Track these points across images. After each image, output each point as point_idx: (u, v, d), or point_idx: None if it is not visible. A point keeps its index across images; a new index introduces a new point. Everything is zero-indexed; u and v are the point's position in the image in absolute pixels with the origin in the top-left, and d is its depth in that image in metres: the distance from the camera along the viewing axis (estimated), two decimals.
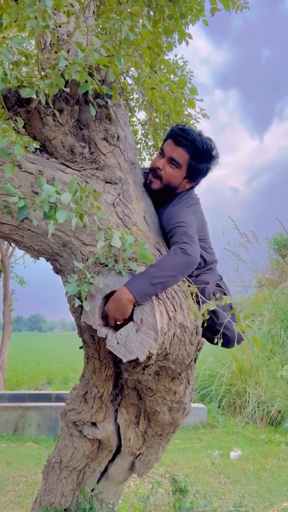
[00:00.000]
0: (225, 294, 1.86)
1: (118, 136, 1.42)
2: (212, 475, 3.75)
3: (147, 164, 4.31)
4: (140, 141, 4.20)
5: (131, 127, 4.12)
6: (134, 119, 4.08)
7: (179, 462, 4.00)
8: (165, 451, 4.50)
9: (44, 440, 4.85)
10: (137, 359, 1.19)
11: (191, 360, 1.65)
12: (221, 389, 5.74)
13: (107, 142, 1.40)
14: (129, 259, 1.31)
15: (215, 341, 1.57)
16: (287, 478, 3.87)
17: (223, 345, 1.64)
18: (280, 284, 7.60)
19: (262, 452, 4.45)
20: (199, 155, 1.56)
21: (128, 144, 1.44)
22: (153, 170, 1.54)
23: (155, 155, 1.67)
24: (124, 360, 1.19)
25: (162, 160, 1.54)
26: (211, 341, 1.70)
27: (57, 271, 1.38)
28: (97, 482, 2.17)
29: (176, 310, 1.41)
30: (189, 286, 1.64)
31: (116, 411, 1.96)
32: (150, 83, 1.30)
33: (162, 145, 1.61)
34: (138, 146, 4.17)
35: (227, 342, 1.64)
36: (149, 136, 4.09)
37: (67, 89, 1.15)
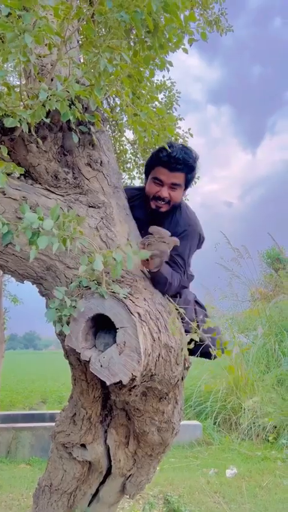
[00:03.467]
0: (202, 308, 1.96)
1: (101, 161, 1.45)
2: (207, 494, 3.71)
3: (137, 182, 4.37)
4: (129, 160, 4.28)
5: (121, 146, 4.21)
6: (123, 138, 4.16)
7: (174, 481, 3.95)
8: (160, 470, 4.46)
9: (37, 462, 4.77)
10: (121, 381, 1.20)
11: (178, 380, 1.66)
12: (216, 405, 5.70)
13: (91, 167, 1.43)
14: (113, 281, 1.33)
15: (197, 354, 1.63)
16: (283, 496, 3.83)
17: (203, 355, 1.72)
18: (274, 298, 7.62)
19: (258, 469, 4.41)
20: (192, 169, 1.75)
21: (111, 169, 1.48)
22: (160, 199, 1.70)
23: (149, 183, 1.76)
24: (108, 383, 1.20)
25: (164, 188, 1.69)
26: (192, 354, 1.75)
27: (43, 294, 1.40)
28: (88, 505, 2.15)
29: (160, 331, 1.43)
30: (176, 308, 1.67)
31: (106, 432, 1.95)
32: (131, 111, 1.34)
33: (149, 170, 1.74)
34: (128, 165, 4.25)
35: (208, 354, 1.67)
36: (138, 155, 4.16)
37: (47, 120, 1.18)
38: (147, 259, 1.46)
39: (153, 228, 1.49)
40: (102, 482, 2.09)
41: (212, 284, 7.75)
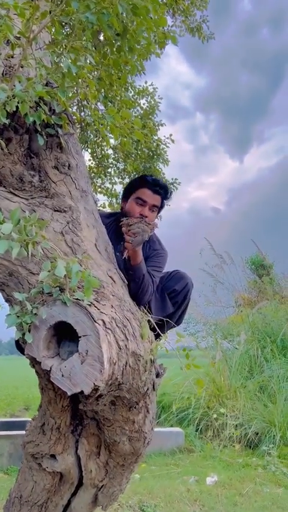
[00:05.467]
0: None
1: (69, 165, 1.42)
2: (187, 503, 3.66)
3: (118, 187, 4.36)
4: (111, 165, 4.26)
5: (102, 151, 4.18)
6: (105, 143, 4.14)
7: (153, 490, 3.89)
8: (141, 479, 4.39)
9: (16, 471, 4.67)
10: (82, 391, 1.16)
11: (148, 389, 1.62)
12: (198, 412, 5.67)
13: (58, 170, 1.40)
14: (78, 287, 1.29)
15: None
16: (263, 503, 3.81)
17: None
18: (257, 304, 7.65)
19: (239, 476, 4.38)
20: (167, 197, 2.03)
21: (79, 172, 1.45)
22: (142, 218, 1.89)
23: (131, 203, 1.99)
24: (68, 393, 1.16)
25: (146, 208, 1.94)
26: None
27: (6, 300, 1.35)
28: None
29: (128, 339, 1.39)
30: (145, 314, 1.64)
31: (77, 442, 1.90)
32: (97, 114, 1.32)
33: (131, 192, 1.98)
34: (110, 170, 4.23)
35: None
36: (120, 161, 4.15)
37: (7, 121, 1.15)
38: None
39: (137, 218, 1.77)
40: (74, 494, 2.03)
41: (196, 290, 7.74)
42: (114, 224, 2.00)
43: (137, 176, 2.22)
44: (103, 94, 1.61)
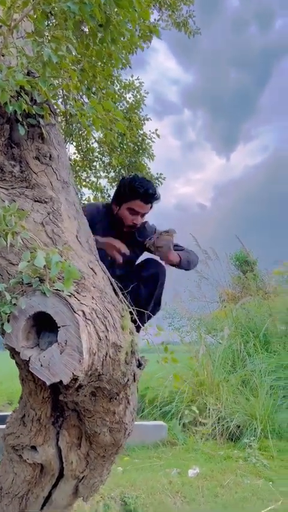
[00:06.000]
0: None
1: (51, 155, 1.42)
2: (168, 495, 3.70)
3: (103, 181, 4.35)
4: (96, 159, 4.25)
5: (87, 145, 4.16)
6: (91, 137, 4.12)
7: (135, 482, 3.93)
8: (123, 472, 4.43)
9: None
10: (61, 381, 1.16)
11: (128, 380, 1.63)
12: (181, 405, 5.73)
13: (39, 161, 1.39)
14: (59, 278, 1.30)
15: None
16: (243, 494, 3.88)
17: None
18: (241, 299, 7.73)
19: (220, 468, 4.45)
20: (156, 200, 2.22)
21: (61, 163, 1.44)
22: (133, 226, 2.24)
23: (125, 212, 2.26)
24: (47, 383, 1.17)
25: (138, 217, 2.19)
26: None
27: None
28: (41, 509, 2.10)
29: (108, 330, 1.40)
30: (128, 307, 1.65)
31: (58, 434, 1.91)
32: (78, 105, 1.32)
33: (124, 200, 2.19)
34: (95, 164, 4.22)
35: None
36: (105, 154, 4.13)
37: None
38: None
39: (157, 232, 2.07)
40: (55, 485, 2.04)
41: (181, 285, 7.79)
42: (108, 214, 2.26)
43: (124, 177, 2.35)
44: (86, 86, 1.60)
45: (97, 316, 1.35)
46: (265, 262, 9.27)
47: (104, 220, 2.27)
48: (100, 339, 1.35)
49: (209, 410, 5.47)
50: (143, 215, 2.23)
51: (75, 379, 1.21)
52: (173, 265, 2.22)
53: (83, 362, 1.17)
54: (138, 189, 2.15)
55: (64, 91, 1.47)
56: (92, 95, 1.61)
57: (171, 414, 5.77)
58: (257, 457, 4.71)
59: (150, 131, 3.77)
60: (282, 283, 8.70)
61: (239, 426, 5.30)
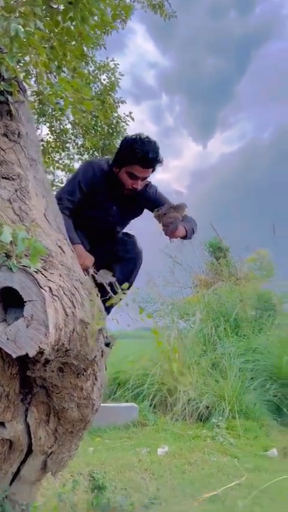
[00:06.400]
0: None
1: (19, 133, 1.42)
2: (138, 471, 3.82)
3: (77, 164, 4.31)
4: (69, 140, 4.21)
5: (61, 126, 4.12)
6: (64, 118, 4.08)
7: (106, 461, 4.02)
8: (94, 451, 4.52)
9: None
10: (27, 354, 1.19)
11: (96, 357, 1.68)
12: (153, 387, 5.85)
13: (7, 138, 1.39)
14: (26, 255, 1.31)
15: None
16: (209, 471, 4.03)
17: None
18: (213, 285, 7.89)
19: (188, 447, 4.60)
20: (159, 165, 2.13)
21: (29, 141, 1.45)
22: (133, 190, 2.17)
23: (124, 175, 2.18)
24: (13, 356, 1.20)
25: (138, 181, 2.12)
26: None
27: None
28: (10, 484, 2.14)
29: (75, 307, 1.43)
30: (96, 282, 1.68)
31: (27, 410, 1.94)
32: (48, 82, 1.32)
33: (123, 163, 2.11)
34: (68, 145, 4.18)
35: None
36: (79, 136, 4.10)
37: None
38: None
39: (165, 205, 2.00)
40: (24, 461, 2.08)
41: (155, 271, 7.88)
42: (110, 175, 2.20)
43: (127, 136, 2.17)
44: (56, 65, 1.60)
45: (64, 293, 1.38)
46: (238, 249, 9.46)
47: (104, 181, 2.22)
48: (67, 315, 1.38)
49: (180, 392, 5.61)
50: (143, 179, 2.16)
51: (41, 353, 1.24)
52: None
53: (49, 336, 1.20)
54: (137, 153, 2.04)
55: (37, 70, 1.47)
56: (62, 73, 1.60)
57: (142, 396, 5.90)
58: (224, 436, 4.89)
59: (124, 113, 3.76)
60: (253, 270, 8.92)
61: (208, 407, 5.47)
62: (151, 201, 2.31)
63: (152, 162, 2.07)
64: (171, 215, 1.91)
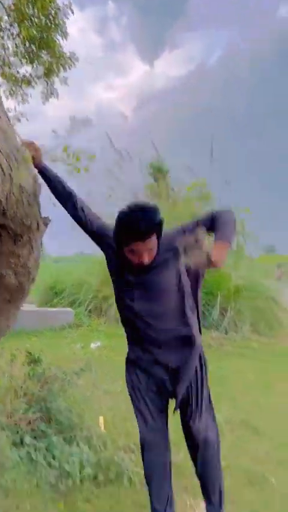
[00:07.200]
0: None
1: None
2: (71, 361, 4.22)
3: (12, 59, 4.07)
4: (4, 29, 3.92)
5: None
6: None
7: (42, 351, 4.37)
8: (31, 345, 4.80)
9: None
10: None
11: (31, 223, 1.83)
12: (89, 295, 6.20)
13: None
14: None
15: None
16: None
17: None
18: None
19: (119, 342, 5.07)
20: (160, 227, 1.85)
21: None
22: (142, 264, 1.87)
23: (128, 253, 1.91)
24: None
25: (143, 255, 1.83)
26: None
27: None
28: None
29: (12, 170, 1.54)
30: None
31: None
32: None
33: (121, 242, 1.85)
34: (2, 34, 3.90)
35: None
36: (13, 25, 3.83)
37: None
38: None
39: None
40: None
41: (96, 188, 7.90)
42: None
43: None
44: None
45: (1, 154, 1.48)
46: (177, 171, 9.64)
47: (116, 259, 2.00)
48: (4, 175, 1.49)
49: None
50: (149, 250, 1.86)
51: None
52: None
53: None
54: (128, 230, 1.81)
55: None
56: None
57: (78, 303, 6.26)
58: None
59: (63, 3, 3.53)
60: (191, 193, 9.25)
61: None
62: (165, 251, 1.96)
63: (148, 232, 1.80)
64: (195, 253, 1.68)
